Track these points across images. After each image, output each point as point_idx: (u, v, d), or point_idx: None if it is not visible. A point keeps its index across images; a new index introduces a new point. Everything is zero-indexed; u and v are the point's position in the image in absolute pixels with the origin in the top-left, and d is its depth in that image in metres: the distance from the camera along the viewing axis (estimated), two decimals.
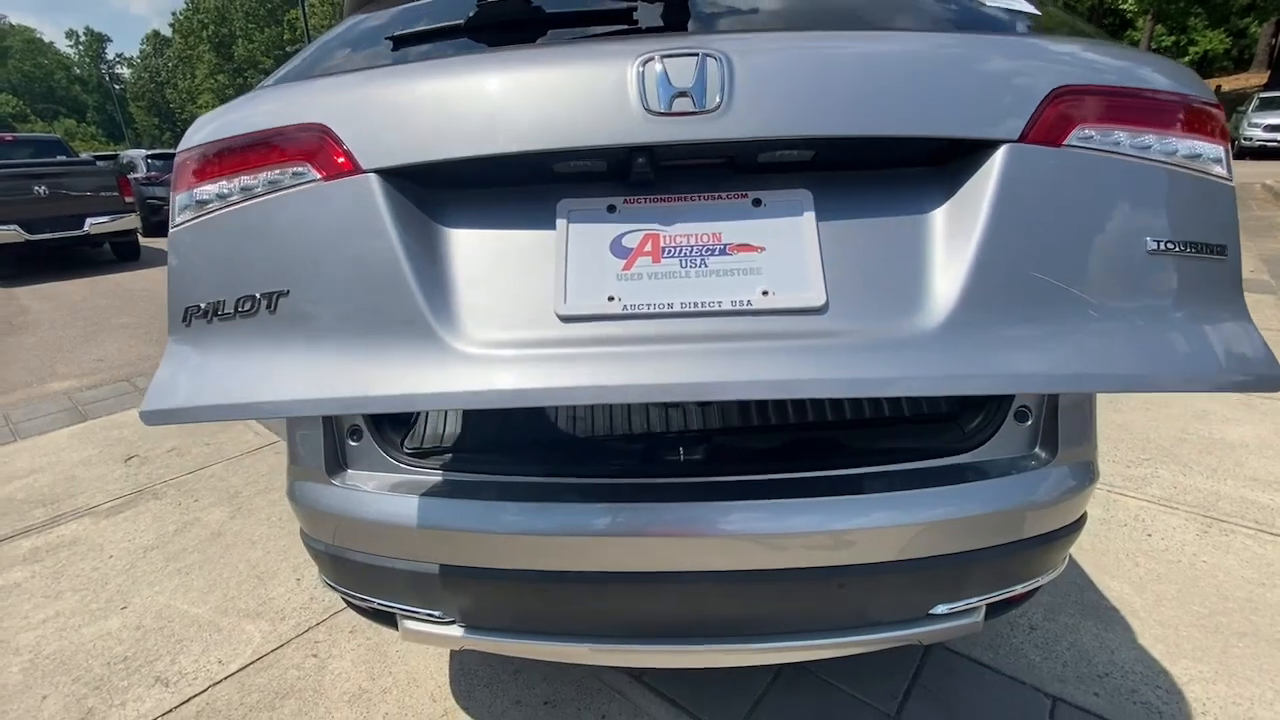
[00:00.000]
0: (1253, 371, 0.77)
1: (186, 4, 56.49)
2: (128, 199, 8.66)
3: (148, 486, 2.68)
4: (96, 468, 2.89)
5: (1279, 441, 2.54)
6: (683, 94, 0.81)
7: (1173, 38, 24.02)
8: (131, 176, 10.33)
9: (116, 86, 75.69)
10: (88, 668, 1.70)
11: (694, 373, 0.78)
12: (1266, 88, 17.72)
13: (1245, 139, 14.34)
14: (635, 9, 1.02)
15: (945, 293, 0.80)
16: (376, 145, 0.86)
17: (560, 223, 0.89)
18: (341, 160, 0.86)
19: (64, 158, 8.92)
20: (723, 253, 0.85)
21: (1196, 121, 0.83)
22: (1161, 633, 1.63)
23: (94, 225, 8.17)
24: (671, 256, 0.86)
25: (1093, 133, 0.81)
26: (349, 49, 1.27)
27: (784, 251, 0.85)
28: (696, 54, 0.82)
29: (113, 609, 1.93)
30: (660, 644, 1.08)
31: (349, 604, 1.21)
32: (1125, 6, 22.17)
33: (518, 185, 0.92)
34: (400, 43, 1.13)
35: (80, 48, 78.23)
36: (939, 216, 0.85)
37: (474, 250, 0.89)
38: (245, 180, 0.89)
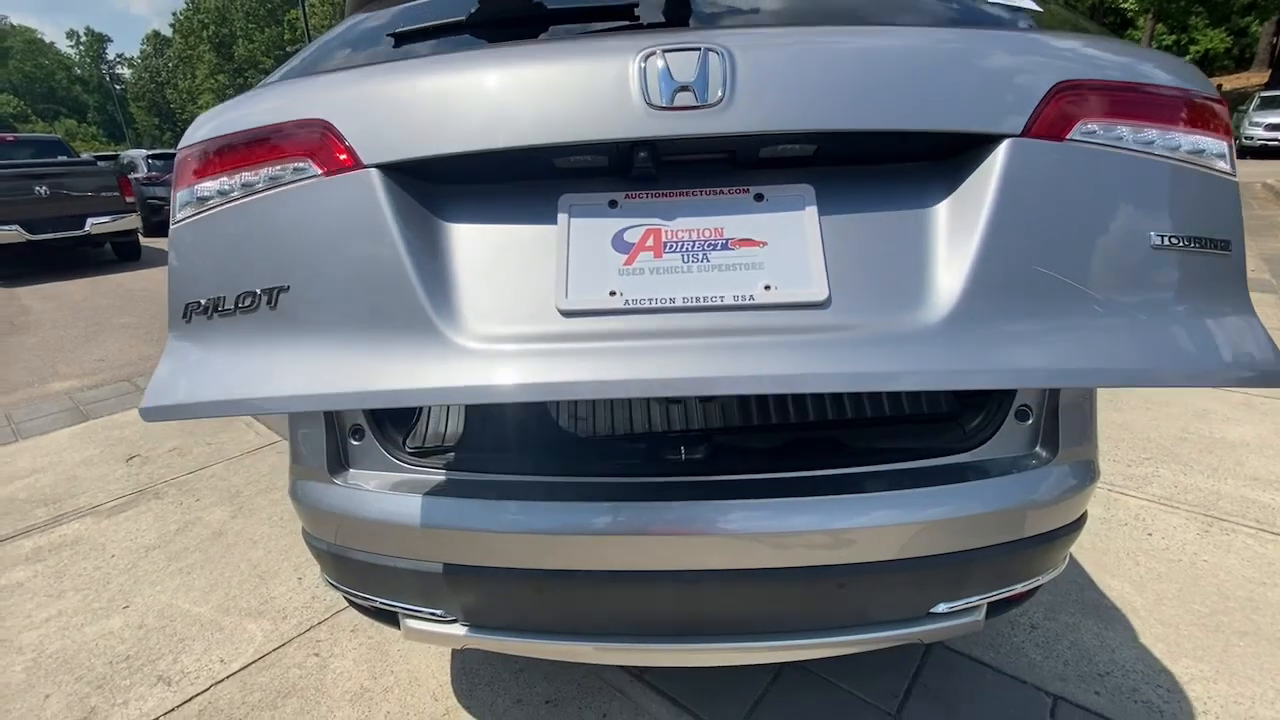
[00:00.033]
0: (1258, 367, 0.77)
1: (187, 4, 56.50)
2: (128, 199, 8.67)
3: (149, 486, 2.69)
4: (98, 467, 2.90)
5: (1279, 441, 2.55)
6: (685, 88, 0.81)
7: (1173, 37, 24.00)
8: (132, 177, 10.34)
9: (117, 87, 75.73)
10: (90, 667, 1.70)
11: (696, 367, 0.78)
12: (1267, 87, 17.70)
13: (1246, 138, 14.33)
14: (637, 4, 1.01)
15: (948, 287, 0.80)
16: (378, 140, 0.86)
17: (562, 217, 0.89)
18: (343, 156, 0.86)
19: (65, 158, 8.92)
20: (725, 247, 0.85)
21: (1200, 117, 0.83)
22: (1162, 631, 1.63)
23: (95, 225, 8.18)
24: (673, 251, 0.85)
25: (1096, 127, 0.81)
26: (350, 48, 1.27)
27: (786, 246, 0.85)
28: (698, 48, 0.81)
29: (115, 608, 1.93)
30: (662, 643, 1.08)
31: (351, 603, 1.22)
32: (1126, 5, 22.15)
33: (519, 181, 0.92)
34: (402, 40, 1.13)
35: (81, 48, 78.27)
36: (942, 211, 0.85)
37: (475, 245, 0.89)
38: (246, 176, 0.89)
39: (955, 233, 0.82)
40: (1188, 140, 0.82)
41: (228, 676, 1.64)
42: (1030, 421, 1.03)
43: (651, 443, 1.12)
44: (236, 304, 0.88)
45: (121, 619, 1.88)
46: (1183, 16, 22.08)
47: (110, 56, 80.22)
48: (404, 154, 0.85)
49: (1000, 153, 0.81)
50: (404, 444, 1.12)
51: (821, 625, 1.08)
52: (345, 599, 1.21)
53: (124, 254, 9.17)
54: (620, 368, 0.78)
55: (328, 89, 0.93)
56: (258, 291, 0.87)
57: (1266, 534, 1.98)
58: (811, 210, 0.86)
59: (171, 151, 10.82)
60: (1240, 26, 23.30)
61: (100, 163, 9.23)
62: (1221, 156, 0.83)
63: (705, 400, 1.26)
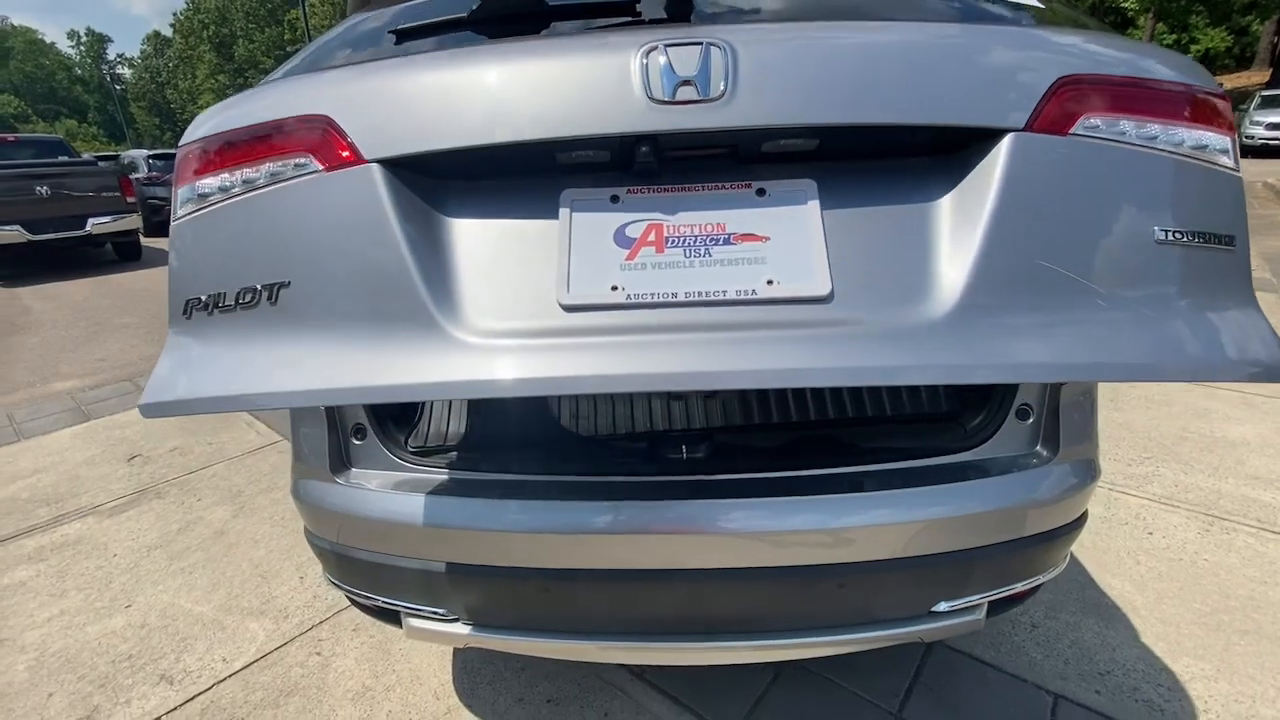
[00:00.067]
0: (1263, 362, 0.77)
1: (187, 4, 56.53)
2: (129, 199, 8.67)
3: (151, 486, 2.69)
4: (100, 467, 2.90)
5: None
6: (687, 82, 0.80)
7: (1174, 36, 23.98)
8: (133, 177, 10.33)
9: (117, 87, 75.77)
10: (93, 665, 1.71)
11: (698, 362, 0.78)
12: (1268, 86, 17.67)
13: (1247, 137, 14.31)
14: (639, 0, 1.01)
15: (951, 281, 0.80)
16: (379, 136, 0.86)
17: (563, 212, 0.89)
18: (344, 151, 0.86)
19: (66, 158, 8.93)
20: (727, 242, 0.85)
21: (1202, 112, 0.83)
22: (1163, 630, 1.63)
23: (96, 225, 8.18)
24: (675, 246, 0.85)
25: (1099, 122, 0.81)
26: (350, 47, 1.27)
27: (788, 241, 0.85)
28: (700, 43, 0.81)
29: (117, 607, 1.94)
30: (665, 641, 1.08)
31: (353, 602, 1.22)
32: (1126, 4, 22.13)
33: (521, 176, 0.92)
34: (403, 37, 1.13)
35: (81, 48, 78.33)
36: (944, 205, 0.85)
37: (476, 240, 0.89)
38: (247, 172, 0.89)
39: (958, 227, 0.82)
40: (1191, 135, 0.82)
41: (230, 675, 1.65)
42: (1031, 420, 1.04)
43: (653, 442, 1.13)
44: (237, 300, 0.88)
45: (124, 618, 1.89)
46: (1183, 16, 22.05)
47: (111, 57, 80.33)
48: (405, 149, 0.85)
49: (1003, 147, 0.81)
50: (406, 443, 1.13)
51: (823, 624, 1.08)
52: (347, 598, 1.21)
53: (125, 254, 9.18)
54: (622, 362, 0.78)
55: (329, 85, 0.93)
56: (258, 287, 0.87)
57: (1267, 533, 1.98)
58: (814, 205, 0.86)
59: (172, 152, 10.85)
60: (1241, 25, 23.28)
61: (101, 163, 9.23)
62: (1225, 152, 0.83)
63: (707, 397, 1.26)
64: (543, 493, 1.00)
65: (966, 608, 1.06)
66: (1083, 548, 1.95)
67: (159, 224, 11.10)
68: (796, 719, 1.43)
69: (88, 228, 8.11)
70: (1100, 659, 1.55)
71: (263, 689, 1.60)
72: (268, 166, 0.88)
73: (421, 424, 1.21)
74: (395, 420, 1.16)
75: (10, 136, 9.48)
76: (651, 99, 0.81)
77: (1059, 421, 1.02)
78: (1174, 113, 0.82)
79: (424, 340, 0.82)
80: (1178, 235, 0.80)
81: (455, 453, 1.13)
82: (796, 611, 1.07)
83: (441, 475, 1.06)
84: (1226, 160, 0.83)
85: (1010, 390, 1.04)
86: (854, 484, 0.98)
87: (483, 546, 0.99)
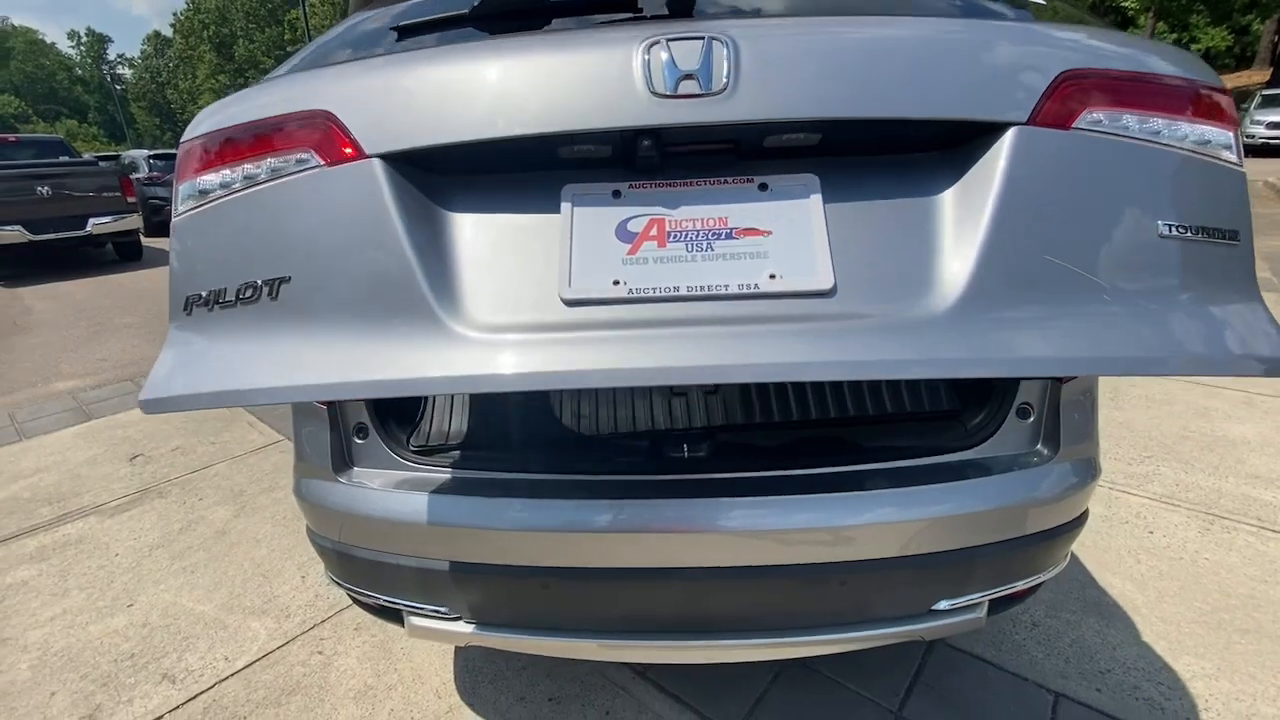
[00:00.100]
0: (1267, 356, 0.77)
1: (187, 4, 56.54)
2: (130, 199, 8.67)
3: (152, 485, 2.70)
4: (102, 467, 2.90)
5: None
6: (689, 76, 0.80)
7: (1174, 35, 23.96)
8: (134, 177, 10.34)
9: (118, 87, 75.78)
10: (95, 664, 1.71)
11: (701, 356, 0.77)
12: (1269, 85, 17.65)
13: (1248, 136, 14.28)
14: None
15: (955, 275, 0.80)
16: (381, 130, 0.85)
17: (565, 206, 0.89)
18: (346, 146, 0.86)
19: (67, 158, 8.93)
20: (729, 237, 0.85)
21: (1205, 107, 0.83)
22: (1164, 629, 1.63)
23: (97, 225, 8.19)
24: (677, 241, 0.85)
25: (1101, 117, 0.81)
26: (352, 45, 1.28)
27: (791, 235, 0.85)
28: (702, 37, 0.81)
29: (119, 606, 1.94)
30: (667, 639, 1.09)
31: (355, 601, 1.22)
32: (1127, 4, 22.12)
33: (522, 171, 0.92)
34: (405, 34, 1.13)
35: (82, 48, 78.35)
36: (948, 199, 0.85)
37: (478, 235, 0.89)
38: (249, 168, 0.89)
39: (961, 221, 0.82)
40: (1194, 130, 0.82)
41: (232, 674, 1.65)
42: (1031, 419, 1.04)
43: (655, 440, 1.13)
44: (238, 295, 0.88)
45: (126, 617, 1.89)
46: (1184, 15, 22.04)
47: (111, 57, 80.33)
48: (407, 144, 0.85)
49: (1006, 141, 0.81)
50: (408, 442, 1.13)
51: (825, 622, 1.09)
52: (350, 597, 1.22)
53: (126, 254, 9.18)
54: (624, 356, 0.78)
55: (330, 81, 0.93)
56: (259, 283, 0.87)
57: (1268, 532, 1.98)
58: (816, 199, 0.86)
59: (172, 152, 10.86)
60: (1241, 25, 23.26)
61: (102, 163, 9.24)
62: (1228, 147, 0.83)
63: (709, 392, 1.26)
64: (545, 491, 1.00)
65: (967, 606, 1.07)
66: (1083, 546, 1.95)
67: (160, 224, 11.10)
68: (798, 717, 1.44)
69: (89, 228, 8.12)
70: (1101, 657, 1.55)
71: (265, 688, 1.60)
72: (269, 162, 0.88)
73: (423, 423, 1.22)
74: (397, 419, 1.16)
75: (11, 137, 9.49)
76: (654, 93, 0.80)
77: (1059, 420, 1.02)
78: (1177, 107, 0.82)
79: (425, 335, 0.82)
80: (1181, 230, 0.79)
81: (457, 451, 1.13)
82: (798, 610, 1.08)
83: (444, 474, 1.07)
84: (1230, 155, 0.83)
85: (1011, 389, 1.04)
86: (855, 483, 0.98)
87: (485, 545, 1.00)
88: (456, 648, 1.68)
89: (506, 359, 0.79)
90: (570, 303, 0.83)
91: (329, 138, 0.86)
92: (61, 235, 7.95)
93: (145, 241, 9.95)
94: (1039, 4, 1.10)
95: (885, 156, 0.90)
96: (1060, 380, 1.02)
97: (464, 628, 1.11)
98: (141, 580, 2.06)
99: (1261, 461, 2.38)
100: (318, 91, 0.90)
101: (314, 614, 1.85)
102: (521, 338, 0.81)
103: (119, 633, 1.83)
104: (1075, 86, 0.81)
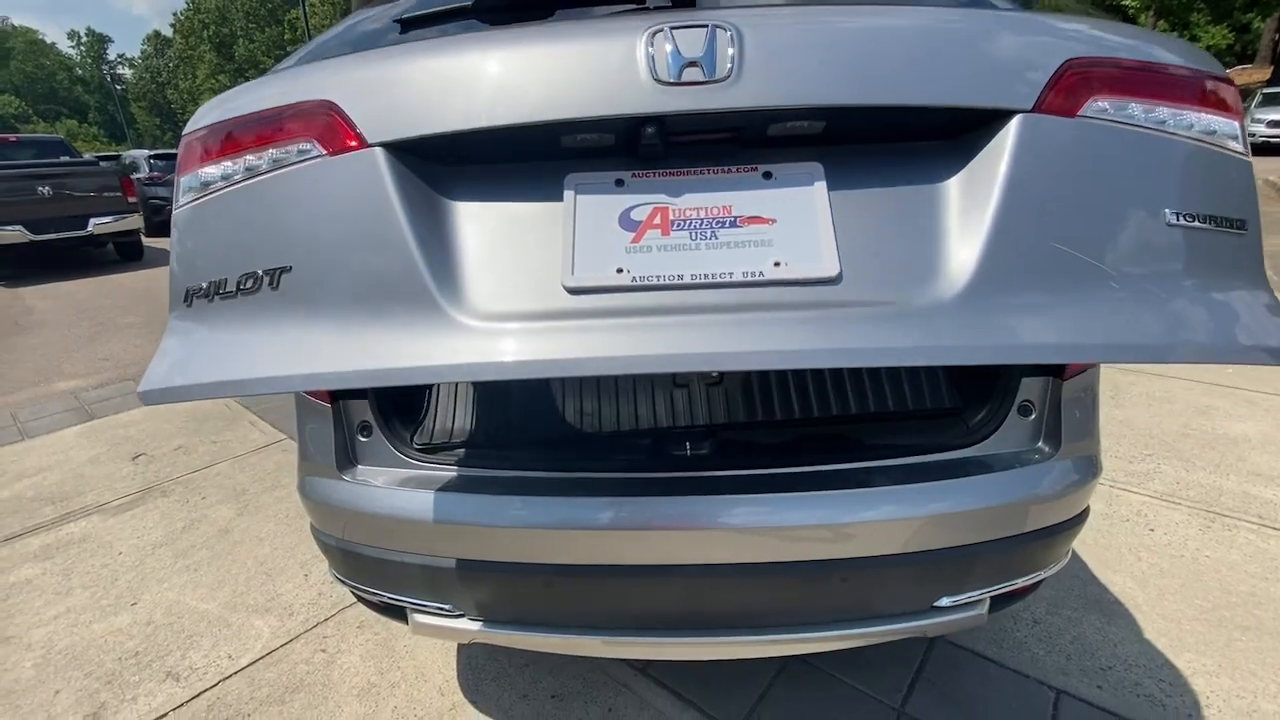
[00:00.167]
0: (1277, 346, 0.77)
1: (187, 4, 56.51)
2: (130, 199, 8.68)
3: (155, 484, 2.70)
4: (104, 466, 2.91)
5: None
6: (692, 64, 0.80)
7: (1175, 33, 23.94)
8: (134, 177, 10.35)
9: (118, 87, 75.76)
10: (99, 663, 1.72)
11: (705, 343, 0.77)
12: (1270, 83, 17.64)
13: (1248, 135, 14.26)
14: None
15: (961, 262, 0.80)
16: (383, 120, 0.85)
17: (568, 195, 0.88)
18: (348, 135, 0.86)
19: (67, 158, 8.94)
20: (733, 225, 0.85)
21: (1211, 96, 0.83)
22: (1165, 626, 1.63)
23: (97, 225, 8.19)
24: (681, 229, 0.85)
25: (1107, 105, 0.81)
26: (353, 41, 1.28)
27: (796, 223, 0.84)
28: (706, 25, 0.81)
29: (123, 605, 1.95)
30: (670, 636, 1.09)
31: (359, 598, 1.23)
32: (1127, 2, 22.10)
33: (525, 161, 0.92)
34: (408, 28, 1.13)
35: (82, 48, 78.31)
36: (953, 186, 0.85)
37: (480, 224, 0.89)
38: (251, 159, 0.88)
39: (967, 209, 0.82)
40: (1199, 119, 0.82)
41: (236, 672, 1.66)
42: (1033, 416, 1.04)
43: (658, 437, 1.13)
44: (238, 286, 0.87)
45: (129, 616, 1.90)
46: (1184, 13, 22.01)
47: (111, 57, 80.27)
48: (409, 132, 0.85)
49: (1012, 128, 0.80)
50: (411, 440, 1.13)
51: (827, 619, 1.09)
52: (353, 594, 1.22)
53: (126, 254, 9.19)
54: (628, 344, 0.78)
55: (333, 72, 0.92)
56: (260, 273, 0.86)
57: (1269, 529, 1.99)
58: (821, 186, 0.86)
59: (173, 152, 10.85)
60: (1242, 23, 23.22)
61: (102, 163, 9.24)
62: (1234, 137, 0.83)
63: (712, 383, 1.26)
64: (548, 489, 1.01)
65: (969, 603, 1.07)
66: (1084, 544, 1.95)
67: (160, 224, 11.10)
68: (800, 714, 1.44)
69: (89, 228, 8.12)
70: (1102, 655, 1.56)
71: (268, 686, 1.61)
72: (272, 152, 0.88)
73: (427, 421, 1.22)
74: (401, 417, 1.16)
75: (12, 137, 9.50)
76: (658, 80, 0.80)
77: (1060, 417, 1.02)
78: (1182, 96, 0.82)
79: (426, 323, 0.81)
80: (1189, 218, 0.79)
81: (461, 449, 1.14)
82: (801, 606, 1.08)
83: (447, 472, 1.07)
84: (1236, 145, 0.83)
85: (1012, 386, 1.05)
86: (857, 480, 0.98)
87: (489, 542, 1.00)
88: (459, 645, 1.69)
89: (509, 347, 0.79)
90: (573, 291, 0.83)
91: (331, 127, 0.86)
92: (62, 235, 7.96)
93: (146, 241, 9.95)
94: None
95: (890, 145, 0.90)
96: (1062, 377, 1.02)
97: (468, 625, 1.12)
98: (145, 579, 2.07)
99: (1262, 459, 2.38)
100: (320, 82, 0.90)
101: (317, 612, 1.86)
102: (524, 326, 0.81)
103: (123, 631, 1.83)
104: (1080, 75, 0.81)
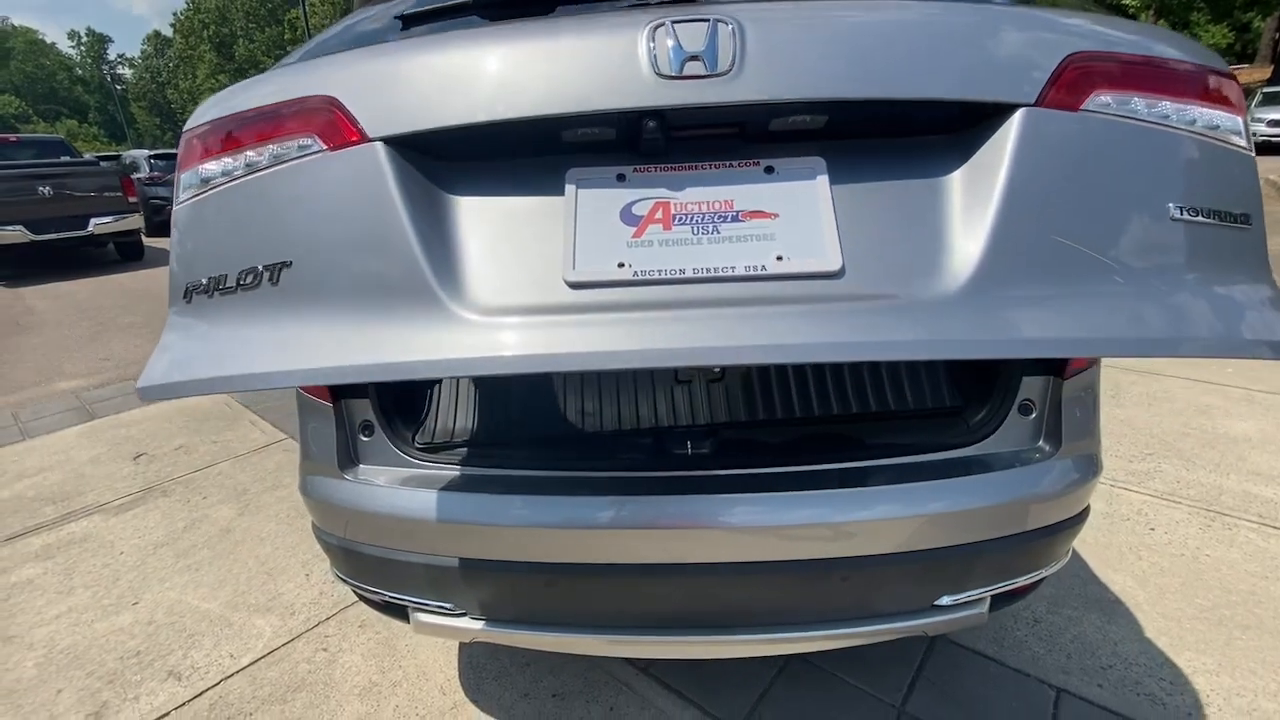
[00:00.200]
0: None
1: (187, 4, 56.50)
2: (131, 199, 8.69)
3: (156, 484, 2.71)
4: (105, 466, 2.91)
5: None
6: (694, 57, 0.80)
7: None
8: (135, 176, 10.35)
9: (118, 87, 75.77)
10: (101, 662, 1.72)
11: (707, 337, 0.77)
12: (1270, 82, 17.63)
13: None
14: None
15: (964, 256, 0.80)
16: (384, 114, 0.85)
17: (569, 189, 0.88)
18: (349, 130, 0.85)
19: (68, 158, 8.94)
20: (735, 219, 0.85)
21: (1213, 91, 0.83)
22: (1165, 625, 1.64)
23: (98, 225, 8.20)
24: (683, 224, 0.85)
25: (1109, 99, 0.81)
26: (353, 40, 1.28)
27: (798, 217, 0.84)
28: (708, 19, 0.81)
29: (124, 604, 1.95)
30: (672, 635, 1.09)
31: (360, 597, 1.23)
32: (1127, 1, 22.09)
33: (526, 156, 0.92)
34: (409, 23, 1.13)
35: (82, 48, 78.31)
36: (956, 180, 0.85)
37: (481, 218, 0.89)
38: (251, 155, 0.88)
39: (970, 202, 0.82)
40: (1202, 114, 0.82)
41: (237, 671, 1.66)
42: (1033, 416, 1.04)
43: (660, 436, 1.13)
44: (238, 281, 0.87)
45: (131, 615, 1.90)
46: (1184, 12, 21.99)
47: (111, 57, 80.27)
48: (410, 126, 0.84)
49: (1014, 122, 0.80)
50: (413, 439, 1.14)
51: (828, 618, 1.09)
52: (355, 593, 1.22)
53: (127, 254, 9.20)
54: (630, 338, 0.78)
55: (333, 67, 0.92)
56: (260, 268, 0.86)
57: (1269, 528, 1.99)
58: (823, 180, 0.86)
59: (173, 152, 10.85)
60: (1242, 22, 23.21)
61: (103, 163, 9.25)
62: (1237, 132, 0.83)
63: (713, 380, 1.26)
64: (550, 488, 1.01)
65: (969, 602, 1.07)
66: (1085, 544, 1.95)
67: (161, 224, 11.11)
68: (800, 713, 1.44)
69: (90, 228, 8.13)
70: (1103, 653, 1.56)
71: (270, 685, 1.61)
72: (272, 148, 0.88)
73: (429, 420, 1.22)
74: (403, 417, 1.16)
75: (12, 137, 9.50)
76: (659, 74, 0.80)
77: (1061, 417, 1.02)
78: (1185, 91, 0.82)
79: (428, 318, 0.81)
80: (1193, 212, 0.79)
81: (463, 448, 1.14)
82: (802, 605, 1.08)
83: (449, 471, 1.07)
84: (1239, 140, 0.83)
85: (1013, 385, 1.05)
86: (858, 479, 0.98)
87: (490, 541, 1.00)
88: (461, 645, 1.69)
89: (510, 341, 0.79)
90: (574, 285, 0.83)
91: (332, 122, 0.86)
92: (63, 235, 7.97)
93: (147, 241, 9.96)
94: None
95: (892, 140, 0.90)
96: (1062, 376, 1.03)
97: (469, 623, 1.12)
98: (146, 578, 2.07)
99: (1262, 458, 2.39)
100: (321, 77, 0.89)
101: (319, 611, 1.86)
102: (525, 320, 0.81)
103: (124, 630, 1.84)
104: (1083, 69, 0.81)
